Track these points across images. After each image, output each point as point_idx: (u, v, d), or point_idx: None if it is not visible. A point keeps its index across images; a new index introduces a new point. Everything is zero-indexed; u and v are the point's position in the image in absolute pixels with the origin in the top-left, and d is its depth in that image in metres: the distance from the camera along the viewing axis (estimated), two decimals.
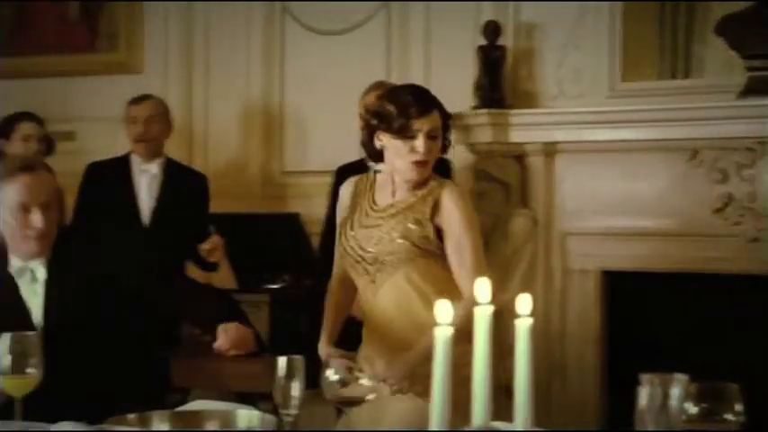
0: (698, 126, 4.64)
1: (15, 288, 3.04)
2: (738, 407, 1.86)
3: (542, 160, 4.99)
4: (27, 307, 3.03)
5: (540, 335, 4.79)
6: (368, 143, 3.19)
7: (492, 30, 5.06)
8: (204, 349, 5.01)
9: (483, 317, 1.58)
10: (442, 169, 4.66)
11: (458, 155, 5.07)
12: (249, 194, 5.79)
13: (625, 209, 4.85)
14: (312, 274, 4.91)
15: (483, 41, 5.07)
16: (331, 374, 2.40)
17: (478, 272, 2.93)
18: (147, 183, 5.02)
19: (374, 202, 3.23)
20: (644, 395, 1.80)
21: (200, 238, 4.87)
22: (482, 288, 1.61)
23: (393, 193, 3.20)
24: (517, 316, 1.65)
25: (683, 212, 4.73)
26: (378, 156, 3.23)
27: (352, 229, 3.22)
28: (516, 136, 4.98)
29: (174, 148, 5.49)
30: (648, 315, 4.96)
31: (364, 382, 2.52)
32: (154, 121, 5.05)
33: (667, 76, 5.09)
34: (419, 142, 3.09)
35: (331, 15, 5.66)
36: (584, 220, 4.93)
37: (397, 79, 5.28)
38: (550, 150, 4.97)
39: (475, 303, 2.91)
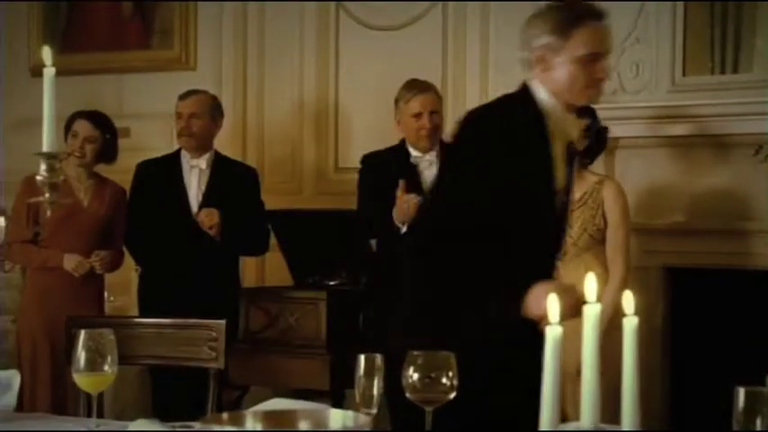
0: (762, 121, 4.56)
1: None
2: None
3: (602, 155, 4.91)
4: None
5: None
6: None
7: None
8: (261, 346, 5.03)
9: (592, 316, 1.53)
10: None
11: None
12: (303, 190, 5.77)
13: (688, 205, 4.78)
14: (368, 272, 4.86)
15: None
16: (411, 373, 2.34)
17: None
18: (196, 178, 5.01)
19: None
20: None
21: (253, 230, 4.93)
22: (589, 285, 1.56)
23: None
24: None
25: (747, 208, 4.65)
26: None
27: None
28: None
29: (228, 144, 5.47)
30: (713, 313, 4.88)
31: None
32: (197, 117, 5.01)
33: (718, 71, 5.01)
34: None
35: (386, 11, 5.62)
36: (646, 216, 4.85)
37: (452, 77, 5.24)
38: (611, 146, 4.89)
39: None
